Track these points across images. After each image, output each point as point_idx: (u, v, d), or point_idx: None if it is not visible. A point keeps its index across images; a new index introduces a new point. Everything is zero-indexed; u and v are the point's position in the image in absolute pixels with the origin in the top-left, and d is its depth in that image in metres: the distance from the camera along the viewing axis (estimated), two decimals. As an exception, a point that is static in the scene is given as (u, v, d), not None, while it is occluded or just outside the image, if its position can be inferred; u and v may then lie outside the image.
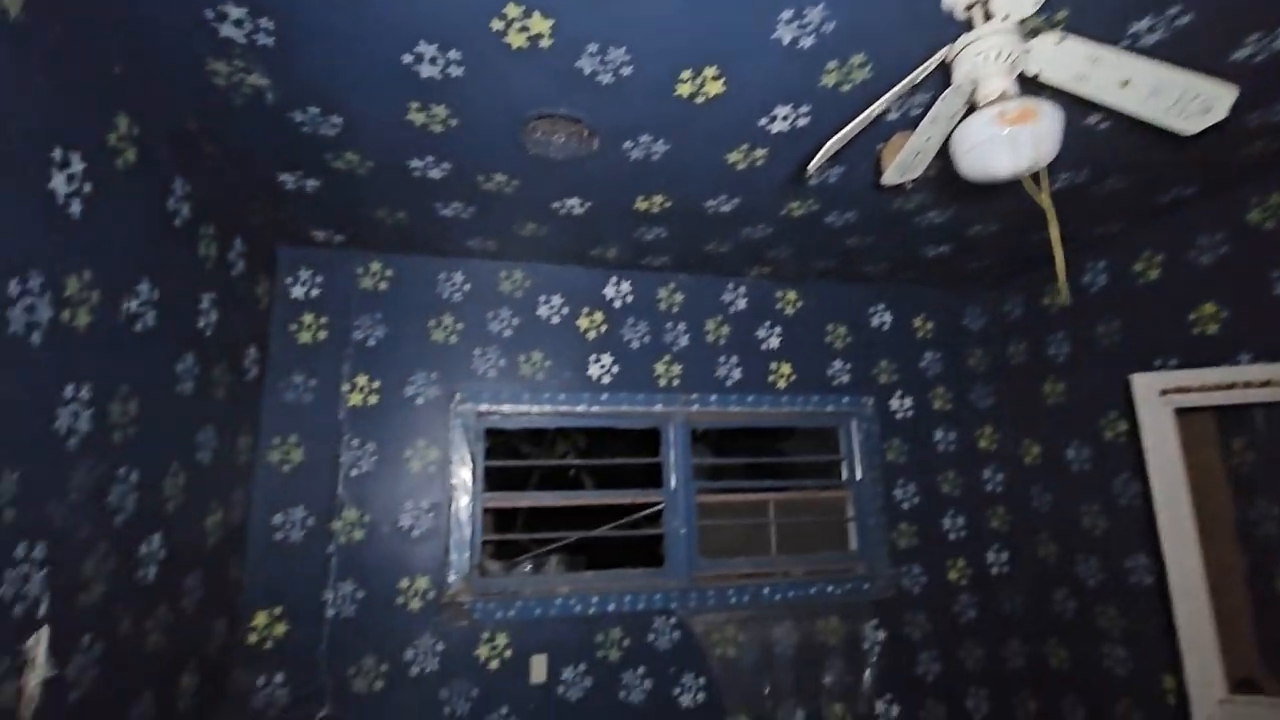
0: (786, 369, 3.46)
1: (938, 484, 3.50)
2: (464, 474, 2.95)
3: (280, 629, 2.64)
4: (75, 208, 1.50)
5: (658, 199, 2.57)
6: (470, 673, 2.75)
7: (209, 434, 2.28)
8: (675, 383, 3.30)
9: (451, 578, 2.83)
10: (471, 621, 2.79)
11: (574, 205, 2.60)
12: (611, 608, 2.93)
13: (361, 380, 2.95)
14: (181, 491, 2.08)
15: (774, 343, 3.48)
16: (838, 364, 3.53)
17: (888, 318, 3.66)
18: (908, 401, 3.58)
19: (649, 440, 3.44)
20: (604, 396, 3.18)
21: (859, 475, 3.44)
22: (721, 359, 3.39)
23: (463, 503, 2.92)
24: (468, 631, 2.79)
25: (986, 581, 3.43)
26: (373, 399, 2.94)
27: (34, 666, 1.39)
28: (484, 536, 2.97)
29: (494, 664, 2.78)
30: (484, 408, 3.04)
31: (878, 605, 3.24)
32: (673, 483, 3.22)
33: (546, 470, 4.08)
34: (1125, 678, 2.92)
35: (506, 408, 3.07)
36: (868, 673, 3.15)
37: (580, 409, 3.15)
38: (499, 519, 3.98)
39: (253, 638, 2.61)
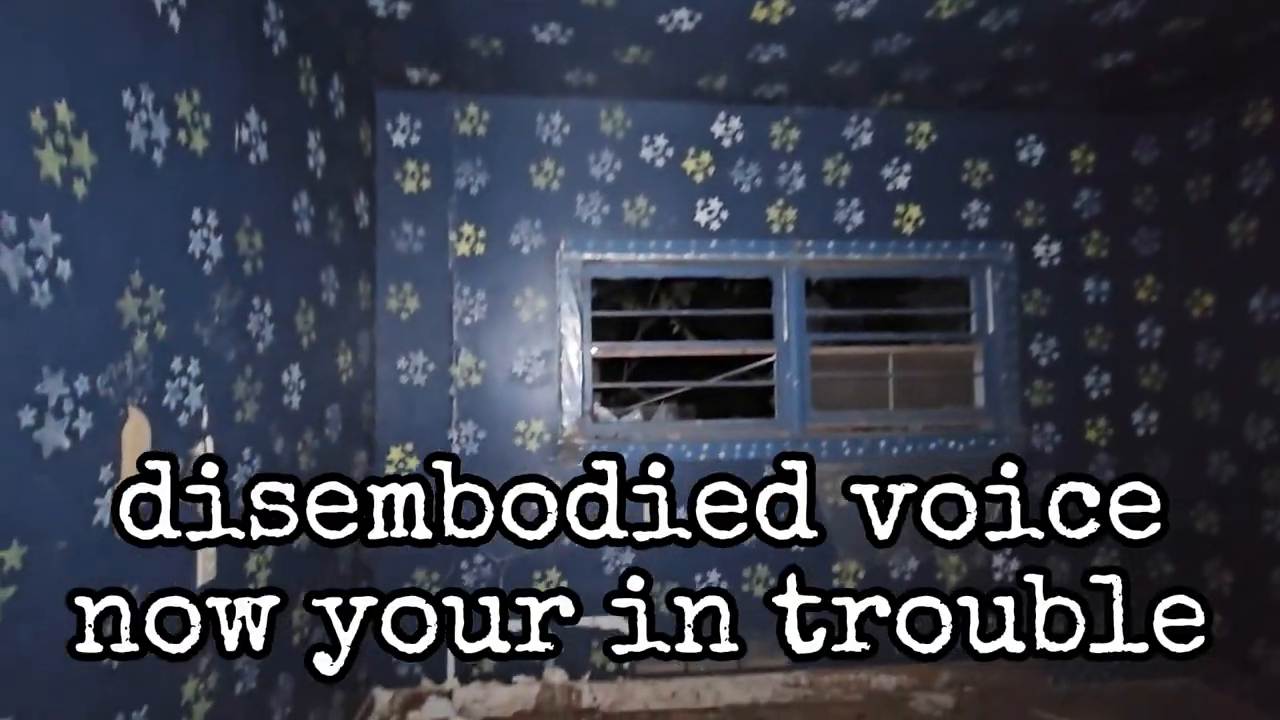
0: (914, 212, 3.12)
1: (1083, 339, 3.16)
2: (572, 323, 2.93)
3: (414, 464, 2.83)
4: (174, 20, 1.43)
5: (779, 4, 2.23)
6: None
7: (330, 275, 2.33)
8: (789, 228, 3.06)
9: (565, 422, 2.90)
10: (584, 461, 2.88)
11: (682, 19, 2.30)
12: (722, 454, 2.93)
13: (468, 229, 2.91)
14: (312, 329, 2.16)
15: (901, 183, 3.12)
16: (974, 206, 3.14)
17: (1039, 151, 3.18)
18: (1054, 248, 3.17)
19: (759, 293, 3.27)
20: (712, 244, 3.01)
21: (991, 328, 3.15)
22: (841, 202, 3.09)
23: (572, 351, 2.92)
24: (579, 472, 2.89)
25: (1130, 442, 3.15)
26: (479, 248, 2.92)
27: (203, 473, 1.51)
28: (594, 384, 2.99)
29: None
30: (589, 256, 2.96)
31: (1002, 462, 3.07)
32: (785, 334, 3.07)
33: (650, 325, 4.05)
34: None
35: (611, 256, 2.97)
36: (986, 529, 3.04)
37: (688, 257, 3.00)
38: (606, 370, 4.04)
39: (391, 469, 2.82)
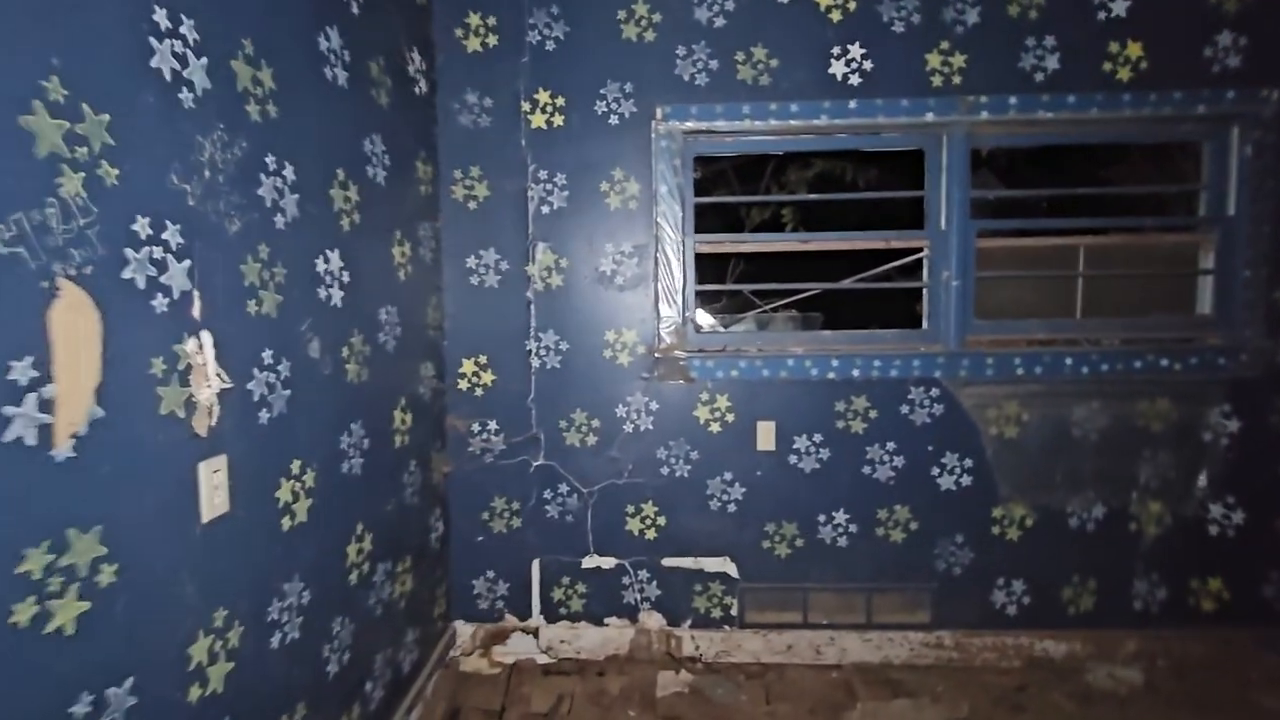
0: (1135, 50, 2.29)
1: (1368, 221, 2.30)
2: (671, 211, 2.39)
3: (488, 378, 2.45)
4: None
5: None
6: (689, 434, 2.43)
7: (377, 144, 1.88)
8: (956, 80, 2.33)
9: (663, 331, 2.41)
10: (688, 380, 2.40)
11: None
12: (856, 373, 2.37)
13: (543, 96, 2.38)
14: (355, 209, 1.74)
15: (1119, 9, 2.28)
16: (1224, 39, 2.28)
17: (1328, -49, 2.24)
18: (1340, 92, 2.27)
19: (907, 170, 2.59)
20: (852, 104, 2.33)
21: (1232, 209, 2.34)
22: (1030, 41, 2.31)
23: (671, 246, 2.39)
24: (684, 391, 2.42)
25: None
26: (558, 120, 2.39)
27: (202, 375, 1.13)
28: (696, 286, 2.47)
29: (715, 427, 2.42)
30: (691, 125, 2.37)
31: (1234, 386, 2.34)
32: (943, 221, 2.40)
33: (763, 218, 3.42)
34: None
35: (721, 125, 2.36)
36: (1205, 469, 2.36)
37: (819, 123, 2.35)
38: (709, 271, 3.50)
39: (463, 384, 2.45)
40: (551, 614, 2.49)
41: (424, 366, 2.25)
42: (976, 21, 2.31)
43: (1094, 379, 2.35)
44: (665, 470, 2.44)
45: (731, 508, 2.43)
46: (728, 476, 2.43)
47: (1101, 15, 2.29)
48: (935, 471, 2.40)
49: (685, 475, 2.43)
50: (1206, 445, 2.36)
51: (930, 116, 2.32)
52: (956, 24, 2.31)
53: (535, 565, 2.47)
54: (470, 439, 2.45)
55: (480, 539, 2.48)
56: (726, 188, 3.46)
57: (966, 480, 2.39)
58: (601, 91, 2.38)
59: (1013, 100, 2.31)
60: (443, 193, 2.41)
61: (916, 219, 2.44)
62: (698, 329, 2.47)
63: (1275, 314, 2.32)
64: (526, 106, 2.38)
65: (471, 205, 2.42)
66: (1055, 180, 2.94)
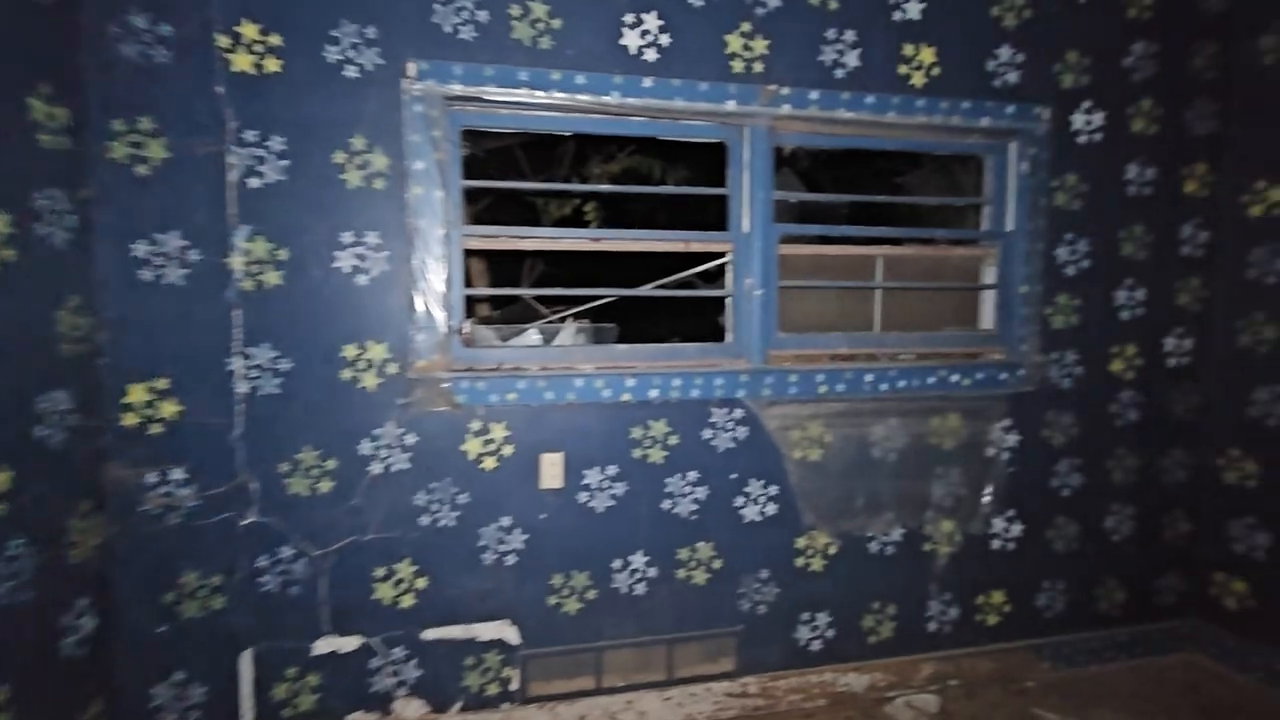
0: (928, 56, 2.22)
1: (1118, 241, 2.44)
2: (431, 195, 1.90)
3: (170, 409, 1.79)
4: None
5: None
6: (457, 473, 1.96)
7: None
8: (758, 67, 2.10)
9: (422, 345, 1.92)
10: (455, 406, 1.93)
11: None
12: (654, 393, 2.06)
13: (249, 30, 1.78)
14: None
15: (913, 10, 2.20)
16: (1004, 52, 2.28)
17: (1088, -20, 2.33)
18: (1097, 118, 2.38)
19: (705, 163, 2.33)
20: (647, 83, 2.01)
21: (1010, 225, 2.36)
22: (830, 33, 2.15)
23: (431, 237, 1.91)
24: (450, 420, 1.95)
25: (1159, 375, 2.51)
26: (272, 64, 1.80)
27: None
28: (467, 290, 2.01)
29: (489, 462, 1.98)
30: (457, 90, 1.90)
31: (1014, 401, 2.37)
32: (745, 223, 2.17)
33: (563, 214, 3.01)
34: (1364, 505, 2.10)
35: (492, 91, 1.93)
36: (989, 485, 2.36)
37: (610, 100, 2.00)
38: (504, 274, 3.03)
39: (130, 419, 1.76)
40: (269, 713, 1.89)
41: (50, 397, 1.55)
42: (779, 5, 2.09)
43: (892, 396, 2.25)
44: (426, 519, 1.95)
45: (511, 559, 2.01)
46: (505, 522, 2.00)
47: (897, 15, 2.19)
48: (739, 502, 2.16)
49: (452, 524, 1.96)
50: (990, 460, 2.36)
51: (731, 105, 2.07)
52: (758, 4, 2.08)
53: (246, 657, 1.86)
54: (144, 494, 1.78)
55: (162, 630, 1.81)
56: (518, 174, 3.01)
57: (771, 509, 2.18)
58: (334, 33, 1.83)
59: (814, 95, 2.13)
60: (93, 150, 1.71)
61: (726, 224, 2.19)
62: (468, 342, 2.01)
63: (1049, 330, 2.38)
64: (225, 41, 1.76)
65: (141, 170, 1.74)
66: (854, 186, 2.90)
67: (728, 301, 2.21)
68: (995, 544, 2.39)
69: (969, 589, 2.37)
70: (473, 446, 1.96)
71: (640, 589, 2.10)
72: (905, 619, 2.32)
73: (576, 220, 3.01)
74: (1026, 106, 2.29)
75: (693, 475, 2.12)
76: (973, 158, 2.55)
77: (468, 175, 2.05)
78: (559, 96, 1.96)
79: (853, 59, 2.16)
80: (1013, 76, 2.29)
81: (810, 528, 2.21)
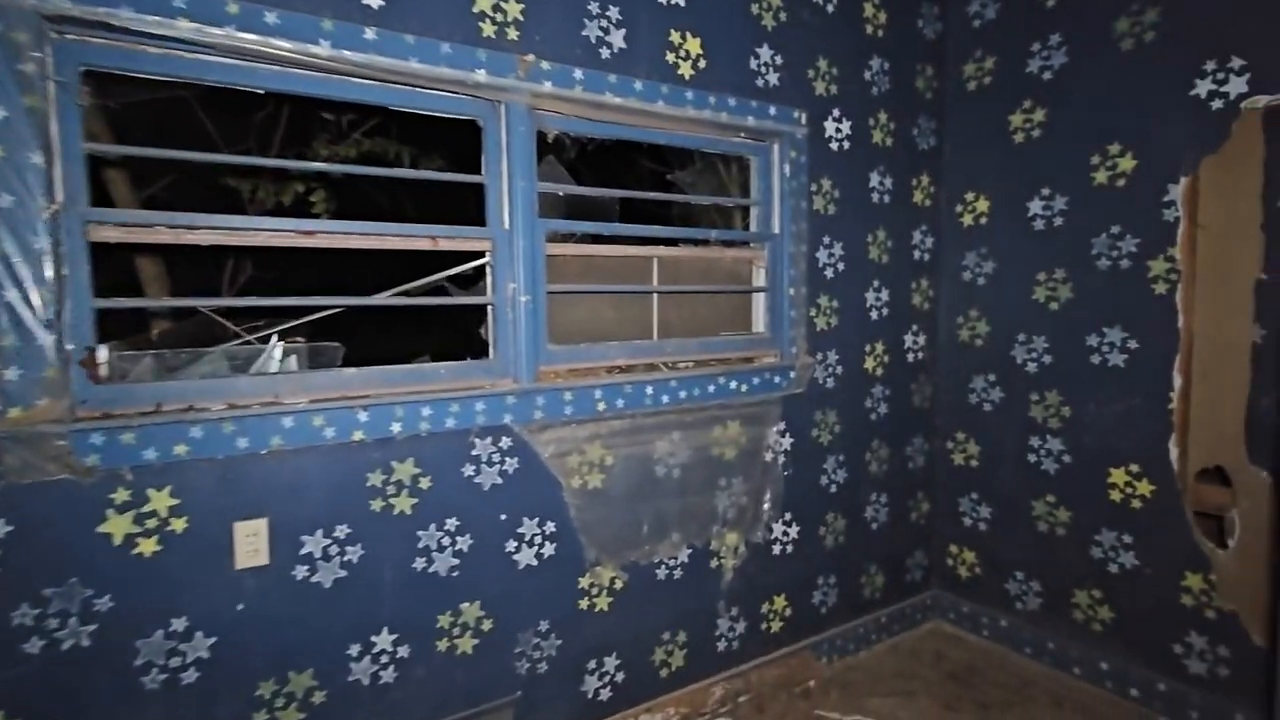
0: (694, 46, 2.09)
1: (866, 245, 2.56)
2: (20, 158, 1.27)
3: None
4: None
5: None
6: (89, 568, 1.35)
7: None
8: (512, 34, 1.78)
9: (11, 384, 1.27)
10: (79, 470, 1.32)
11: None
12: (396, 428, 1.64)
13: None
14: None
15: (678, -6, 2.05)
16: (765, 52, 2.24)
17: (833, -11, 2.39)
18: (845, 126, 2.46)
19: (465, 155, 1.96)
20: (370, 34, 1.58)
21: (776, 227, 2.35)
22: (594, 6, 1.90)
23: (25, 222, 1.28)
24: (74, 492, 1.33)
25: (901, 370, 2.71)
26: None
27: None
28: (100, 301, 1.40)
29: (145, 546, 1.39)
30: (69, 8, 1.29)
31: (787, 404, 2.36)
32: (506, 218, 1.84)
33: (279, 202, 2.34)
34: (1058, 474, 2.43)
35: (128, 18, 1.35)
36: (769, 490, 2.33)
37: (319, 51, 1.52)
38: (177, 280, 2.28)
39: None
40: None
41: None
42: (534, -37, 1.79)
43: (674, 408, 2.09)
44: (37, 643, 1.31)
45: (189, 676, 1.44)
46: (179, 625, 1.43)
47: (664, -3, 2.02)
48: (511, 546, 1.83)
49: (86, 643, 1.35)
50: (769, 466, 2.33)
51: (483, 75, 1.72)
52: (509, -42, 1.76)
53: None
54: None
55: None
56: (202, 141, 2.28)
57: (549, 549, 1.89)
58: None
59: (579, 75, 1.87)
60: None
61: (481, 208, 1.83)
62: (97, 378, 1.39)
63: (814, 331, 2.42)
64: None
65: None
66: (623, 182, 2.73)
67: (488, 310, 1.86)
68: (776, 549, 2.37)
69: (755, 599, 2.32)
70: (118, 526, 1.37)
71: (388, 675, 1.66)
72: (696, 643, 2.18)
73: (301, 211, 2.42)
74: (787, 110, 2.28)
75: (452, 523, 1.74)
76: (739, 158, 2.51)
77: (118, 138, 1.43)
78: (243, 38, 1.45)
79: (618, 39, 1.94)
80: (773, 78, 2.26)
81: (594, 564, 1.96)
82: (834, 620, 2.53)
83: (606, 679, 2.00)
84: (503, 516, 1.80)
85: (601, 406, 1.94)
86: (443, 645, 1.73)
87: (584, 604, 1.94)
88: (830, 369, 2.48)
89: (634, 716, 2.05)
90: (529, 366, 1.84)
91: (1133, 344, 2.22)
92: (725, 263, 2.42)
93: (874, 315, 2.60)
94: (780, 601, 2.39)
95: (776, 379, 2.31)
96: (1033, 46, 2.46)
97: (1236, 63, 1.97)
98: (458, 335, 2.14)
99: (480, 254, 1.88)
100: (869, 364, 2.60)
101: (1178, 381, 2.11)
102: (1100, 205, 2.29)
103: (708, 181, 2.68)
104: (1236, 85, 1.97)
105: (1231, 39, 1.98)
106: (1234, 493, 2.03)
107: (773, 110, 2.25)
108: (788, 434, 2.37)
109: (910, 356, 2.73)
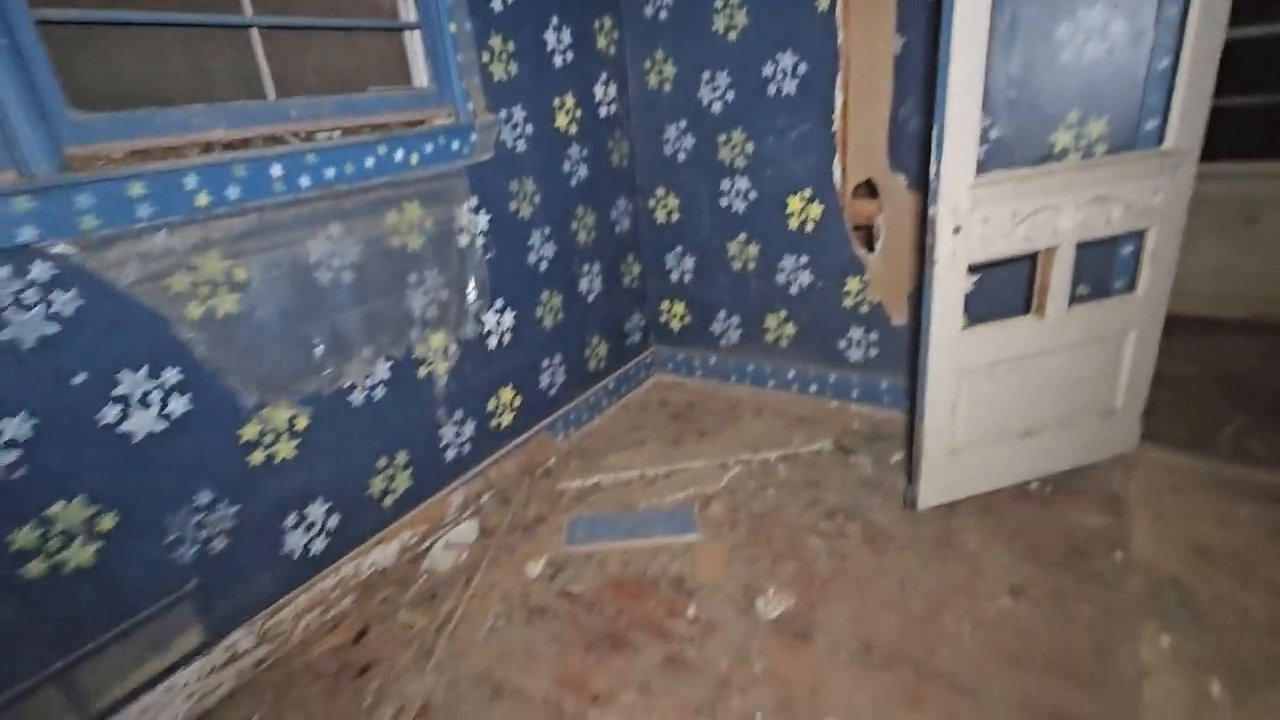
0: None
1: (536, -32, 2.11)
2: None
3: None
4: None
5: None
6: None
7: None
8: None
9: None
10: None
11: None
12: None
13: None
14: None
15: None
16: None
17: None
18: None
19: None
20: None
21: (414, -67, 1.76)
22: None
23: None
24: None
25: (596, 126, 2.47)
26: None
27: None
28: None
29: None
30: None
31: (475, 175, 1.99)
32: None
33: None
34: (746, 212, 2.52)
35: None
36: (471, 279, 2.03)
37: None
38: None
39: None
40: None
41: None
42: None
43: (322, 192, 1.59)
44: None
45: None
46: None
47: None
48: (112, 415, 1.30)
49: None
50: (465, 251, 2.00)
51: None
52: None
53: None
54: None
55: None
56: None
57: (180, 405, 1.40)
58: None
59: None
60: None
61: None
62: None
63: (491, 83, 1.99)
64: None
65: None
66: None
67: (-77, 56, 1.09)
68: (491, 342, 2.15)
69: (478, 398, 2.13)
70: None
71: (-49, 634, 1.14)
72: (422, 459, 1.95)
73: None
74: None
75: (-16, 406, 1.14)
76: None
77: None
78: None
79: None
80: None
81: (258, 408, 1.53)
82: (565, 398, 2.49)
83: (315, 529, 1.69)
84: (78, 379, 1.24)
85: (203, 200, 1.37)
86: (38, 568, 1.23)
87: (257, 457, 1.54)
88: (519, 129, 2.12)
89: (364, 554, 1.81)
90: (42, 148, 1.17)
91: (803, 67, 2.22)
92: (353, -11, 1.79)
93: (558, 61, 2.24)
94: (507, 393, 2.23)
95: (455, 144, 1.89)
96: None
97: None
98: None
99: None
100: (560, 121, 2.29)
101: (839, 100, 2.20)
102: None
103: None
104: None
105: None
106: (880, 202, 2.27)
107: None
108: (482, 210, 2.03)
109: (603, 111, 2.48)
